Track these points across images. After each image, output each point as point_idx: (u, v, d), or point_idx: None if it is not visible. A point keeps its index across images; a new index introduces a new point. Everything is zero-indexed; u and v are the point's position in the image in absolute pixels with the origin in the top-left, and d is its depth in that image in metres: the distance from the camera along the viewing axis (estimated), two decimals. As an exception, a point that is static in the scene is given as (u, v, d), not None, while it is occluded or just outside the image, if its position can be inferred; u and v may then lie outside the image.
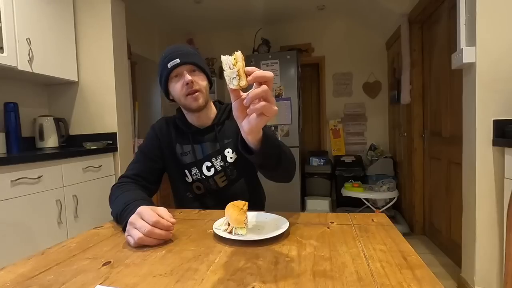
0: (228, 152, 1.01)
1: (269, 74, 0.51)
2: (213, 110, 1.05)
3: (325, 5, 3.26)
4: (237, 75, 0.51)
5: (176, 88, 0.93)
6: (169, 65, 0.91)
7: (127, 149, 2.29)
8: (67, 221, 1.73)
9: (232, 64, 0.51)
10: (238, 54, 0.52)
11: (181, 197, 1.07)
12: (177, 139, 1.03)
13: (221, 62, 0.54)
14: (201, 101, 0.94)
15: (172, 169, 1.04)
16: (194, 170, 1.01)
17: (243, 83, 0.51)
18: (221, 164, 1.01)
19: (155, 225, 0.61)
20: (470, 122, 1.59)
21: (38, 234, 1.55)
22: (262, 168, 0.73)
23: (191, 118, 1.02)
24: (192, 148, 1.01)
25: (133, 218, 0.64)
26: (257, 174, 1.12)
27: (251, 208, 0.72)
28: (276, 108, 0.53)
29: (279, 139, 0.97)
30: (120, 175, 2.11)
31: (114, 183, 0.94)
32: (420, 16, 2.52)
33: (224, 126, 1.03)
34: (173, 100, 1.00)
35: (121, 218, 0.73)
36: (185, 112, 1.02)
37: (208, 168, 1.01)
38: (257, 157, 0.65)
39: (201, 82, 0.94)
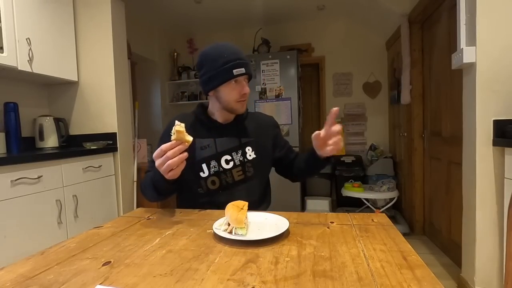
0: (249, 149, 1.07)
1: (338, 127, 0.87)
2: None
3: (325, 5, 3.25)
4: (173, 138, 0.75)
5: (231, 93, 1.01)
6: (235, 72, 0.98)
7: (127, 149, 2.28)
8: (67, 221, 1.73)
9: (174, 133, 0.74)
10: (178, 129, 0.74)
11: (189, 193, 1.06)
12: (199, 133, 1.06)
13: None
14: (245, 106, 1.08)
15: (187, 163, 1.05)
16: (213, 163, 1.04)
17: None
18: (241, 159, 1.06)
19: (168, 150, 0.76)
20: (470, 122, 1.59)
21: (38, 234, 1.55)
22: (311, 171, 1.09)
23: (220, 114, 1.08)
24: (213, 141, 1.06)
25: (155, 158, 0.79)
26: (269, 179, 1.18)
27: (258, 209, 0.77)
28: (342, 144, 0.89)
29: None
30: (120, 175, 2.14)
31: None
32: (420, 16, 2.52)
33: (245, 124, 1.11)
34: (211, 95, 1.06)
35: (155, 177, 0.86)
36: (217, 108, 1.07)
37: (227, 161, 1.05)
38: (324, 164, 1.00)
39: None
